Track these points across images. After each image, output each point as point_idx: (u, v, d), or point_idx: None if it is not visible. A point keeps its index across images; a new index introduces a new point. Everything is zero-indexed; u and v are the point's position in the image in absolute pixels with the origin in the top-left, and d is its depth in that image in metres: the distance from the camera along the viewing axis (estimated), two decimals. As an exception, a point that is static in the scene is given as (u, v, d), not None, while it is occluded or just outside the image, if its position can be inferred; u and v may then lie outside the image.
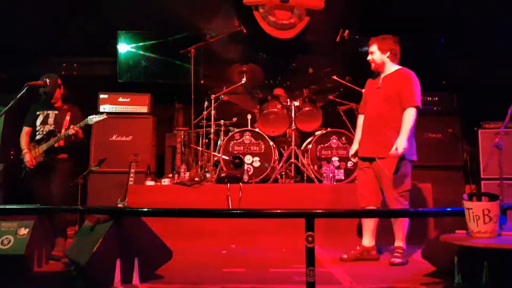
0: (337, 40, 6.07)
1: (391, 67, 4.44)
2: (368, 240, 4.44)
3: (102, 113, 5.07)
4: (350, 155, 4.75)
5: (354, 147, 4.61)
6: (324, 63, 6.73)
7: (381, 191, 4.36)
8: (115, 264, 3.34)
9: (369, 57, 4.48)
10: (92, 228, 3.72)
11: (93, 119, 5.00)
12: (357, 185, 4.60)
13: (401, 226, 4.32)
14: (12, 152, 6.05)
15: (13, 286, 3.60)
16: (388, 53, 4.39)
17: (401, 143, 4.12)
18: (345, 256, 4.39)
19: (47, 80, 5.09)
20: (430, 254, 3.77)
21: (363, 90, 4.86)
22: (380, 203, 4.39)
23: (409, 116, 4.21)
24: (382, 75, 4.46)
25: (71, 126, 4.96)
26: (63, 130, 5.08)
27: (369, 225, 4.44)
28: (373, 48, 4.44)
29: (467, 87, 6.77)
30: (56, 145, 5.00)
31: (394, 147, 4.12)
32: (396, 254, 4.23)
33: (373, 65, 4.48)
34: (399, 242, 4.31)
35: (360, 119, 4.64)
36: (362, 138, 4.51)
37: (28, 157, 4.99)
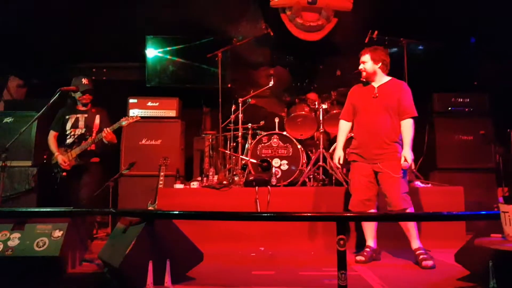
0: (366, 41, 6.04)
1: (383, 78, 4.61)
2: (373, 241, 4.57)
3: (134, 115, 5.14)
4: (336, 163, 4.77)
5: (340, 153, 4.73)
6: (352, 65, 6.68)
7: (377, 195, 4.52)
8: (148, 266, 3.37)
9: (361, 67, 4.60)
10: (124, 231, 3.77)
11: (126, 121, 5.10)
12: (355, 190, 4.61)
13: (412, 226, 4.39)
14: (45, 156, 6.17)
15: (48, 287, 3.68)
16: (380, 64, 4.54)
17: (409, 155, 4.31)
18: (362, 258, 4.43)
19: (84, 80, 5.23)
20: (464, 258, 3.70)
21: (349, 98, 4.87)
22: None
23: (410, 127, 4.41)
24: (376, 85, 4.59)
25: (104, 129, 5.06)
26: (94, 133, 5.17)
27: (372, 227, 4.58)
28: (366, 58, 4.58)
29: (499, 87, 6.64)
30: (88, 148, 5.10)
31: (403, 160, 4.31)
32: (424, 256, 4.23)
33: (364, 73, 4.61)
34: (417, 243, 4.37)
35: (345, 125, 4.78)
36: (361, 145, 4.59)
37: (61, 159, 5.09)
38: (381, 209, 4.59)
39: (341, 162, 4.70)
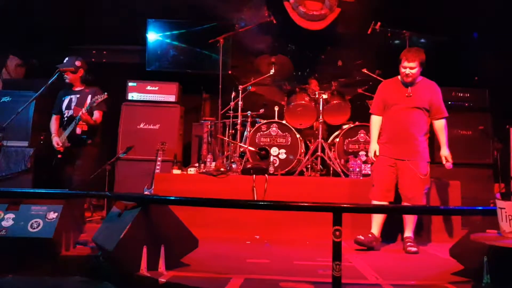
0: (369, 32, 6.00)
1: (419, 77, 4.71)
2: (378, 231, 4.67)
3: (103, 93, 5.02)
4: (371, 156, 4.81)
5: (375, 147, 4.78)
6: (354, 56, 6.66)
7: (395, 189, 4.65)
8: (142, 250, 3.37)
9: (408, 72, 4.61)
10: (119, 215, 3.75)
11: (95, 101, 4.95)
12: (380, 181, 4.69)
13: (413, 219, 4.67)
14: (42, 137, 6.14)
15: (41, 269, 3.66)
16: (423, 67, 4.63)
17: (449, 155, 4.63)
18: (361, 237, 4.55)
19: (67, 58, 5.16)
20: (458, 253, 3.70)
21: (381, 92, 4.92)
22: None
23: (444, 127, 4.71)
24: (409, 84, 4.67)
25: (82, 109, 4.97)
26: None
27: (381, 218, 4.67)
28: (415, 64, 4.58)
29: (500, 83, 6.60)
30: (79, 130, 5.02)
31: (444, 160, 4.64)
32: (411, 243, 4.54)
33: (410, 79, 4.64)
34: (410, 233, 4.64)
35: (377, 120, 4.83)
36: (391, 141, 4.69)
37: (55, 141, 5.07)
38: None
39: (377, 154, 4.75)
